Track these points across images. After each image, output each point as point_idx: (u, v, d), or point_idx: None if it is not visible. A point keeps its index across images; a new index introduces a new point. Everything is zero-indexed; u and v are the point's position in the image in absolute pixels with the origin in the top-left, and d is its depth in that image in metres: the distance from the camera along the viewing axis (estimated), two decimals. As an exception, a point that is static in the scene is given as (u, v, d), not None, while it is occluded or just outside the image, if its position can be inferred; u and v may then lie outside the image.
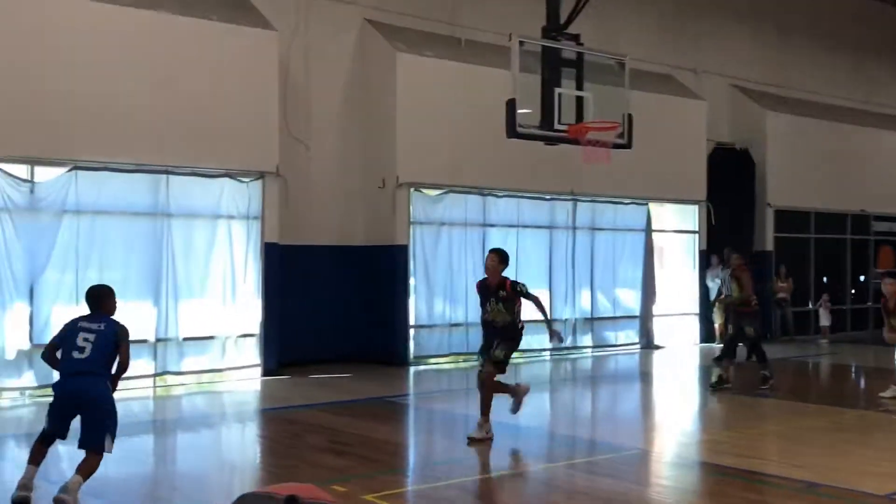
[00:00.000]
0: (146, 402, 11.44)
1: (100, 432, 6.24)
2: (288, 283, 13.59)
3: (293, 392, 11.87)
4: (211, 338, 12.69)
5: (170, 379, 12.31)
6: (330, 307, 14.57)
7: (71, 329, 6.49)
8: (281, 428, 9.65)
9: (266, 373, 12.96)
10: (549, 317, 9.58)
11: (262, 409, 11.11)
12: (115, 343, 6.45)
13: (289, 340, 13.45)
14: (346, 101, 14.87)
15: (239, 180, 12.93)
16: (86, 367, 6.31)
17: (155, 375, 12.13)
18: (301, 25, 14.34)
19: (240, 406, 11.29)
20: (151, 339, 12.11)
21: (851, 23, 22.70)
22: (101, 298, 6.74)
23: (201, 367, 12.60)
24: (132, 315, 11.99)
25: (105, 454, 6.29)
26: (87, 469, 6.18)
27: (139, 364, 12.05)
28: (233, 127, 12.70)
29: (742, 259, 12.85)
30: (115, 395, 6.54)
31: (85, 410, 6.28)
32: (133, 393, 11.77)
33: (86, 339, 6.36)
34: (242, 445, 9.27)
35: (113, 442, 6.31)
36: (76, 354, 6.33)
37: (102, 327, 6.46)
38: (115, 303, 6.84)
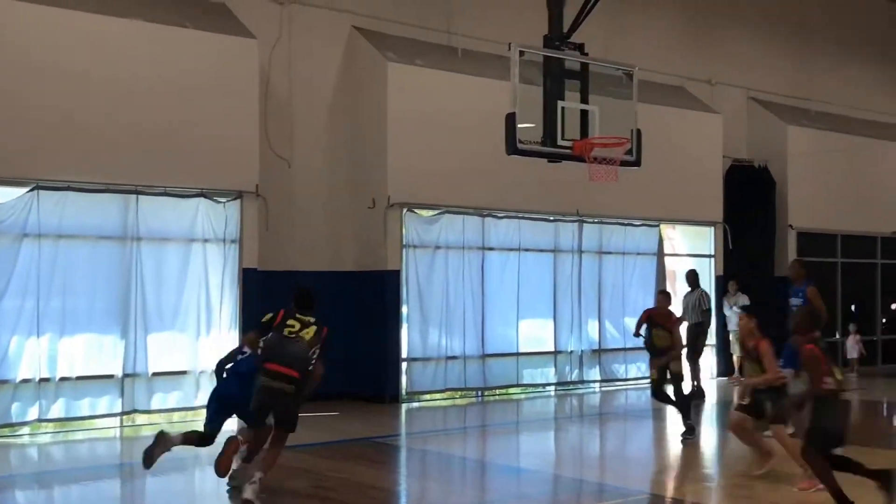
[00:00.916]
0: (112, 443, 11.32)
1: None
2: (268, 312, 13.45)
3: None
4: (183, 373, 12.59)
5: (138, 418, 12.19)
6: (314, 339, 14.44)
7: None
8: (260, 472, 9.52)
9: (243, 411, 12.81)
10: None
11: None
12: None
13: (269, 375, 13.31)
14: (332, 114, 14.85)
15: (215, 200, 12.88)
16: None
17: (122, 414, 12.04)
18: (284, 33, 14.36)
19: (214, 447, 11.14)
20: (118, 374, 12.01)
21: (881, 28, 22.78)
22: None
23: (172, 405, 12.50)
24: (97, 348, 12.01)
25: None
26: None
27: (105, 402, 12.00)
28: (209, 143, 12.67)
29: (750, 318, 9.75)
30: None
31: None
32: (98, 433, 11.68)
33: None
34: (217, 491, 9.13)
35: None
36: None
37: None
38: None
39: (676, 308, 14.32)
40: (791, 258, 19.31)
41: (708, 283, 17.92)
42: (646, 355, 16.91)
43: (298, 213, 14.46)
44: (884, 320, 21.36)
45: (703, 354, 16.09)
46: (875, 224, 21.00)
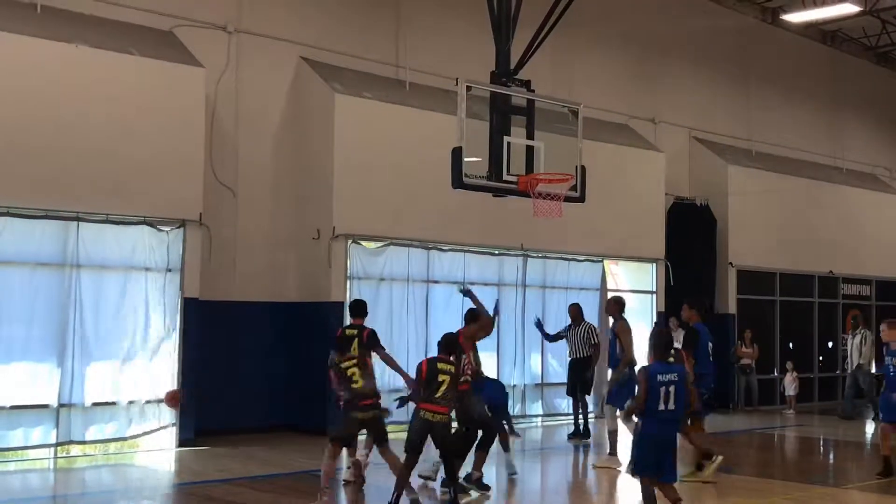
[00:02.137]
0: (46, 474, 11.10)
1: None
2: (209, 343, 13.39)
3: (211, 464, 11.60)
4: (121, 403, 12.40)
5: (73, 449, 11.97)
6: (256, 370, 14.37)
7: None
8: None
9: (182, 443, 12.68)
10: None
11: (175, 484, 10.86)
12: None
13: (208, 407, 13.20)
14: (278, 144, 14.87)
15: (157, 229, 12.78)
16: None
17: (56, 445, 11.80)
18: (231, 63, 14.37)
19: (151, 480, 11.02)
20: (54, 403, 11.79)
21: (822, 74, 23.49)
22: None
23: (109, 436, 12.28)
24: (32, 377, 11.79)
25: None
26: None
27: (39, 432, 11.77)
28: (152, 170, 12.59)
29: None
30: None
31: None
32: (32, 464, 11.44)
33: None
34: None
35: None
36: None
37: None
38: None
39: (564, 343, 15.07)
40: (732, 295, 19.75)
41: (650, 319, 18.19)
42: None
43: (242, 242, 14.40)
44: (820, 358, 21.79)
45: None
46: (812, 263, 21.50)
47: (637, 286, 18.59)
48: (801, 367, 20.54)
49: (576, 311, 14.89)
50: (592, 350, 14.75)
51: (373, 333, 10.80)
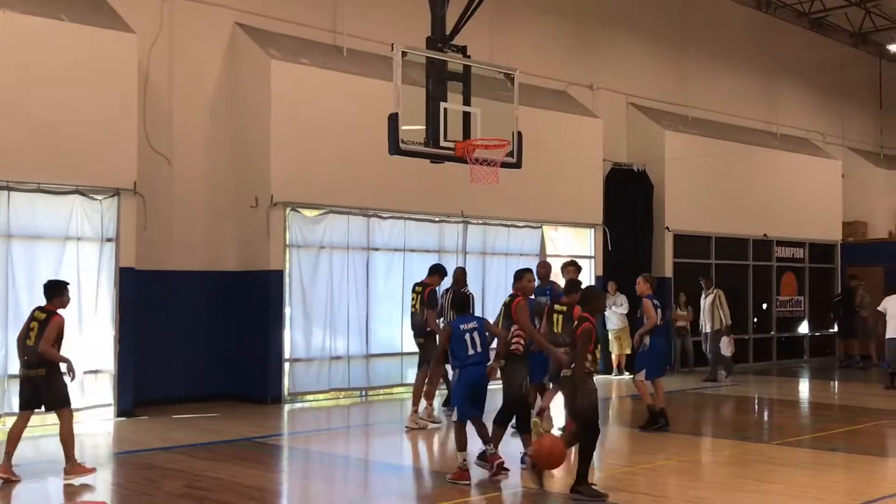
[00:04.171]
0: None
1: None
2: (146, 313, 13.32)
3: (150, 434, 11.61)
4: (57, 374, 12.28)
5: (9, 421, 11.83)
6: (195, 340, 14.34)
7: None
8: (135, 473, 9.46)
9: (120, 413, 12.65)
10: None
11: (115, 453, 10.84)
12: None
13: (147, 377, 13.17)
14: (214, 111, 14.74)
15: (91, 198, 12.64)
16: None
17: (-8, 417, 11.69)
18: (164, 28, 14.18)
19: (90, 449, 10.97)
20: (-12, 376, 11.67)
21: (757, 41, 23.82)
22: None
23: (46, 408, 12.16)
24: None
25: None
26: None
27: (-28, 405, 11.64)
28: (85, 138, 12.43)
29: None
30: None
31: None
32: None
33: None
34: (92, 494, 9.01)
35: None
36: None
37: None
38: None
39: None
40: (668, 259, 20.10)
41: (589, 283, 18.39)
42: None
43: (178, 211, 14.29)
44: (755, 320, 22.30)
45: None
46: (747, 227, 21.93)
47: (576, 251, 18.81)
48: (736, 328, 21.00)
49: (460, 274, 13.73)
50: None
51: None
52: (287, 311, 14.50)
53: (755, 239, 22.25)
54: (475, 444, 9.17)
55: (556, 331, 10.67)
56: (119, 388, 12.72)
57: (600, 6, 20.13)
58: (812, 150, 24.70)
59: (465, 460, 8.95)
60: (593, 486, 8.31)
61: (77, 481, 8.94)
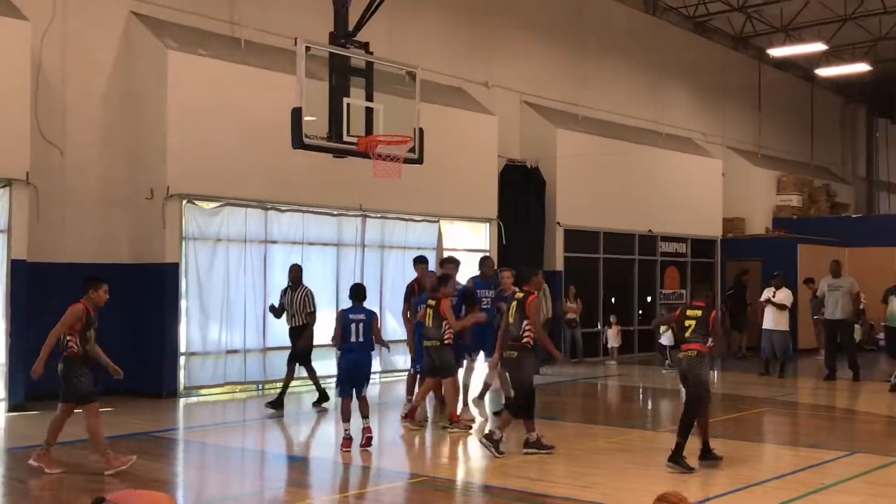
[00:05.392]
0: None
1: None
2: (39, 306, 12.98)
3: (44, 429, 11.22)
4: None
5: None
6: (88, 333, 14.02)
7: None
8: (29, 468, 9.25)
9: (12, 408, 12.35)
10: None
11: (6, 449, 10.59)
12: None
13: (39, 371, 12.82)
14: (109, 101, 14.45)
15: (-19, 188, 12.27)
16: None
17: None
18: (57, 16, 13.82)
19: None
20: None
21: (645, 43, 24.56)
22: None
23: (-68, 404, 11.81)
24: None
25: None
26: None
27: None
28: (-26, 127, 12.05)
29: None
30: None
31: None
32: None
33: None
34: (-15, 491, 8.82)
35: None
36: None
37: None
38: None
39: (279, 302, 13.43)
40: (559, 253, 20.61)
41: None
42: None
43: (72, 202, 13.97)
44: (640, 312, 23.04)
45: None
46: (633, 222, 22.63)
47: (472, 245, 19.12)
48: (623, 320, 21.70)
49: (296, 272, 13.42)
50: (309, 318, 13.30)
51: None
52: (183, 304, 14.35)
53: (641, 234, 22.96)
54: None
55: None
56: (10, 382, 12.40)
57: (496, 5, 20.45)
58: (695, 149, 25.63)
59: (347, 430, 10.21)
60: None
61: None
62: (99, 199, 14.29)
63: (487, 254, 14.59)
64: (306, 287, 13.47)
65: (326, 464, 10.21)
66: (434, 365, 11.37)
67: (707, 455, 9.52)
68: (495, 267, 13.06)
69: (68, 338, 9.05)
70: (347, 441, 10.14)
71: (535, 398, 10.39)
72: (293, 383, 13.54)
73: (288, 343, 13.71)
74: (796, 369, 19.28)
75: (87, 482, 8.65)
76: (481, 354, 12.62)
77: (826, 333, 18.05)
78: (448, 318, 11.13)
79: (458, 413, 11.65)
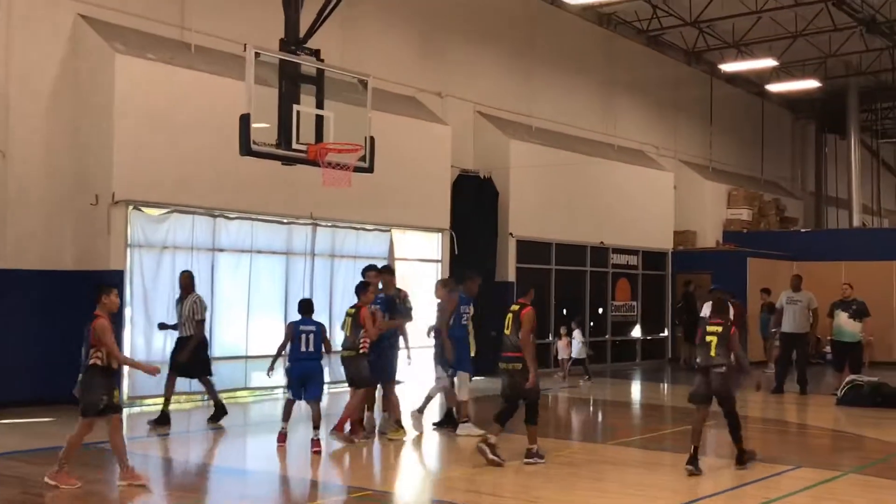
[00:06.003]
0: None
1: None
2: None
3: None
4: None
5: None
6: (29, 341, 13.74)
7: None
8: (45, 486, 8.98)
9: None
10: None
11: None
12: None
13: (-24, 380, 12.53)
14: (54, 104, 14.16)
15: (-83, 191, 11.94)
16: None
17: None
18: (3, 18, 13.54)
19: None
20: None
21: (598, 56, 24.72)
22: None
23: None
24: None
25: None
26: None
27: None
28: (-89, 128, 11.73)
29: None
30: None
31: None
32: None
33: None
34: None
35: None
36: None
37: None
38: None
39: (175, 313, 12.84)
40: (511, 264, 20.61)
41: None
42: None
43: (13, 207, 13.67)
44: (591, 323, 23.09)
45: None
46: (585, 234, 22.72)
47: (423, 255, 19.04)
48: (589, 331, 21.73)
49: (186, 279, 12.75)
50: (197, 329, 12.58)
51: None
52: (127, 312, 14.08)
53: (592, 246, 23.05)
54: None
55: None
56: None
57: (449, 16, 20.43)
58: (647, 161, 25.81)
59: (284, 428, 10.99)
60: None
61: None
62: (41, 204, 13.99)
63: (388, 264, 14.77)
64: (196, 294, 12.72)
65: (271, 477, 10.05)
66: (349, 376, 11.50)
67: (741, 458, 10.25)
68: (395, 280, 12.96)
69: (93, 349, 8.72)
70: (282, 436, 10.93)
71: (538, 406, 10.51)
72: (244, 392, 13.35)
73: (239, 353, 13.53)
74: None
75: (22, 495, 8.39)
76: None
77: (782, 347, 18.15)
78: (367, 325, 11.20)
79: (344, 427, 11.43)
